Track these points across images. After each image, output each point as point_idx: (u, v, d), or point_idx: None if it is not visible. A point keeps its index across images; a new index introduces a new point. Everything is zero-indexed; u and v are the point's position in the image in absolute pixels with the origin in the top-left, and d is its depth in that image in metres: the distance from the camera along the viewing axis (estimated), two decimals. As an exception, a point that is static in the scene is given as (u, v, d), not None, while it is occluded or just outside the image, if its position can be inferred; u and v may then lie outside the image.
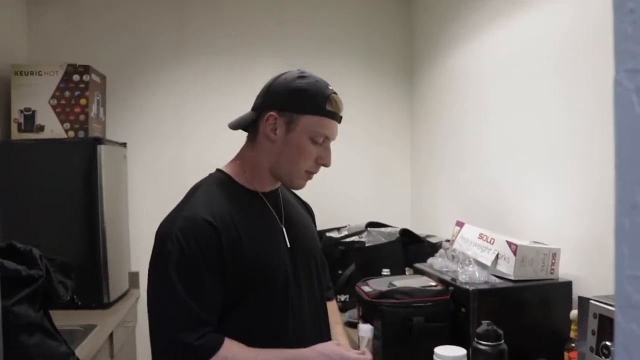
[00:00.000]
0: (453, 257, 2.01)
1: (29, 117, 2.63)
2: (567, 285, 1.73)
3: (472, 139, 2.63)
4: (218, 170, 1.29)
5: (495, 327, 1.44)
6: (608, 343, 1.17)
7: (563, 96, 1.90)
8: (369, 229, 2.83)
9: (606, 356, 1.18)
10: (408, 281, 1.83)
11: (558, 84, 1.93)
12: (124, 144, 2.98)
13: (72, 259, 2.45)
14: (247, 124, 1.26)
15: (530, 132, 2.11)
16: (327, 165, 1.26)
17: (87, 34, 3.08)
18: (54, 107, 2.64)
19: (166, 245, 1.11)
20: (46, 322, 1.62)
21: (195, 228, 1.12)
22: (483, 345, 1.45)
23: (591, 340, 1.25)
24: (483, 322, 1.46)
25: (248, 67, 3.18)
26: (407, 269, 2.57)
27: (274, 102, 1.22)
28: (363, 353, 1.24)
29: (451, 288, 1.75)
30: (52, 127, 2.64)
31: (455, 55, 2.79)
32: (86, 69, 2.67)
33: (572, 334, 1.58)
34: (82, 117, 2.67)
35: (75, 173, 2.54)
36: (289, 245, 1.25)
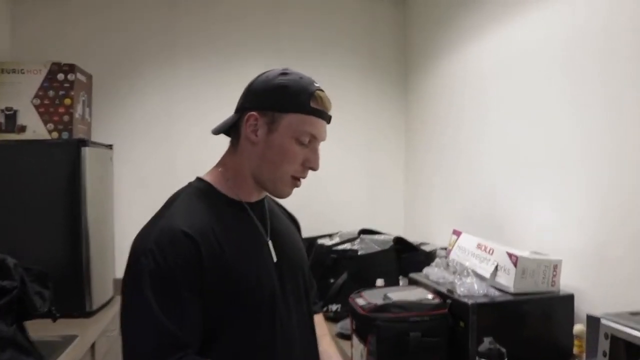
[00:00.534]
0: (449, 267, 1.94)
1: (11, 117, 2.53)
2: (569, 299, 1.67)
3: (468, 144, 2.57)
4: (198, 179, 1.19)
5: (498, 346, 1.36)
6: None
7: (566, 98, 1.84)
8: (361, 236, 2.76)
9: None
10: (404, 293, 1.76)
11: (561, 85, 1.87)
12: (110, 146, 2.88)
13: (54, 265, 2.40)
14: (229, 128, 1.17)
15: (529, 137, 2.05)
16: (314, 168, 1.15)
17: (74, 32, 2.99)
18: (37, 107, 2.54)
19: (140, 261, 1.01)
20: (20, 337, 1.52)
21: (172, 241, 1.02)
22: (484, 364, 1.38)
23: (601, 361, 1.17)
24: (485, 339, 1.38)
25: (240, 69, 3.08)
26: (401, 278, 2.50)
27: (254, 102, 1.13)
28: None
29: (449, 301, 1.67)
30: (35, 128, 2.54)
31: (451, 59, 2.74)
32: (71, 68, 2.57)
33: (576, 350, 1.52)
34: (66, 118, 2.57)
35: (58, 176, 2.45)
36: (275, 260, 1.16)
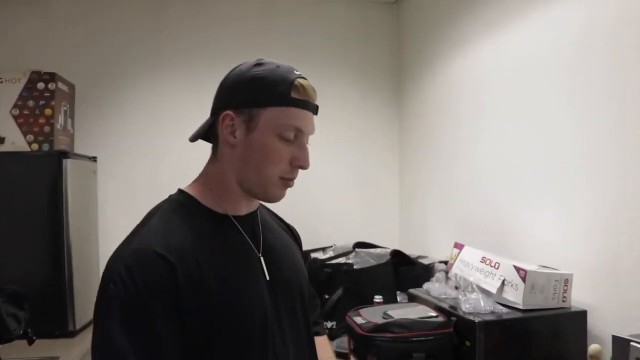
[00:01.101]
0: (450, 281, 1.85)
1: (-12, 128, 2.42)
2: (582, 315, 1.57)
3: (465, 153, 2.49)
4: (179, 191, 1.06)
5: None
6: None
7: (569, 104, 1.76)
8: (357, 249, 2.66)
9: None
10: (405, 311, 1.66)
11: (563, 91, 1.79)
12: (93, 158, 2.77)
13: (34, 282, 2.30)
14: (208, 133, 1.04)
15: (531, 145, 1.96)
16: (304, 167, 1.01)
17: (57, 41, 2.88)
18: (15, 118, 2.44)
19: (109, 288, 0.88)
20: (-9, 362, 1.41)
21: (143, 264, 0.89)
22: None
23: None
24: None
25: (228, 77, 3.01)
26: (398, 293, 2.41)
27: (228, 100, 1.01)
28: None
29: (453, 319, 1.58)
30: (14, 139, 2.44)
31: (446, 65, 2.66)
32: (52, 77, 2.47)
33: (591, 371, 1.42)
34: (47, 129, 2.46)
35: (39, 189, 2.35)
36: (268, 278, 1.03)
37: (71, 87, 2.71)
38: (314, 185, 3.07)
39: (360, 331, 1.57)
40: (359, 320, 1.63)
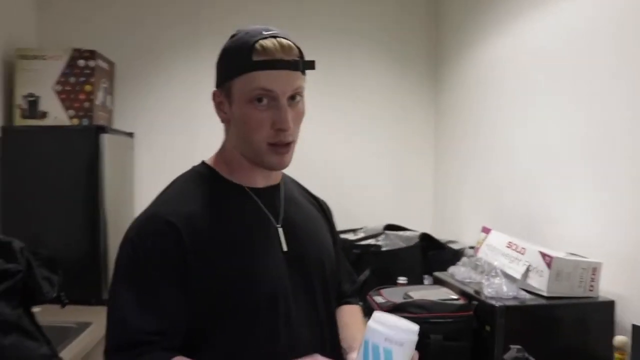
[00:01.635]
0: (477, 266, 1.81)
1: (33, 103, 2.52)
2: (609, 305, 1.52)
3: (502, 137, 2.42)
4: (202, 163, 1.09)
5: (526, 355, 1.23)
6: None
7: (618, 86, 1.66)
8: (386, 231, 2.66)
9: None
10: (426, 292, 1.64)
11: (612, 71, 1.69)
12: (130, 134, 2.85)
13: (72, 252, 2.39)
14: None
15: (571, 129, 1.88)
16: (284, 128, 0.95)
17: (98, 20, 2.96)
18: (58, 93, 2.52)
19: (122, 251, 0.96)
20: (25, 321, 1.48)
21: (152, 230, 0.95)
22: (511, 374, 1.25)
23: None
24: (512, 347, 1.26)
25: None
26: (425, 277, 2.38)
27: (216, 78, 1.06)
28: None
29: (475, 302, 1.55)
30: (56, 114, 2.53)
31: (485, 47, 2.58)
32: (92, 55, 2.54)
33: (615, 363, 1.38)
34: (86, 105, 2.54)
35: (78, 162, 2.43)
36: (285, 249, 1.03)
37: (111, 64, 2.79)
38: (348, 168, 3.07)
39: (378, 310, 1.57)
40: (379, 299, 1.63)
